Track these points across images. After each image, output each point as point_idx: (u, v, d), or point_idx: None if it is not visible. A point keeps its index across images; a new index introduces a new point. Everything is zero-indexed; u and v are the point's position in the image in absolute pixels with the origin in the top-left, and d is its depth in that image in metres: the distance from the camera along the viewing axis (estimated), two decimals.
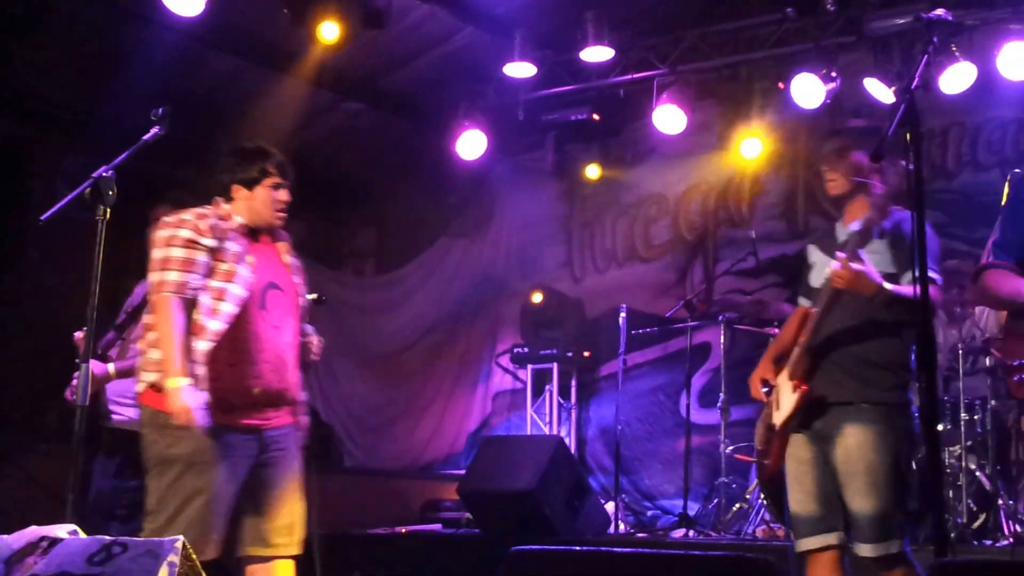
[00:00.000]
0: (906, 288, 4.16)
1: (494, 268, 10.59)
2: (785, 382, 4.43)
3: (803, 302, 4.68)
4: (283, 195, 4.34)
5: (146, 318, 4.27)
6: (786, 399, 4.40)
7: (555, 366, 9.67)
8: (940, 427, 6.76)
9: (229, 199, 4.30)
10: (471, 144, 9.14)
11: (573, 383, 9.81)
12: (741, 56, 8.46)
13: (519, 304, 9.93)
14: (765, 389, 4.56)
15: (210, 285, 4.10)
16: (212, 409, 4.02)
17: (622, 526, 8.11)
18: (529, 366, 9.83)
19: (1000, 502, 6.39)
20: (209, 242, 4.13)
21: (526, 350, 9.69)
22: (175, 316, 4.02)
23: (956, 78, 7.13)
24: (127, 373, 4.96)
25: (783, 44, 8.20)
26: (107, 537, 3.01)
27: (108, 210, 4.17)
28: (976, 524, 6.44)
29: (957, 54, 6.99)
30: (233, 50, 8.32)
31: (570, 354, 9.59)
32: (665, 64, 8.60)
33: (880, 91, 7.62)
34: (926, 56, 3.13)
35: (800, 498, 4.39)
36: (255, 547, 4.19)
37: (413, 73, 9.09)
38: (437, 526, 8.06)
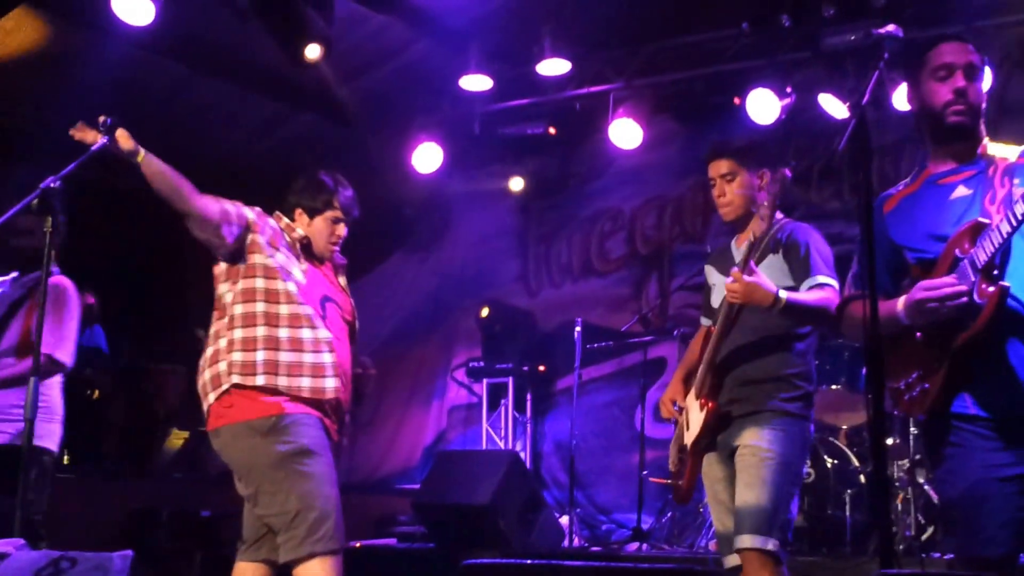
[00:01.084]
0: (804, 296, 4.21)
1: (449, 282, 10.56)
2: (693, 401, 4.46)
3: (705, 322, 4.74)
4: (340, 230, 4.49)
5: (215, 325, 4.30)
6: (695, 418, 4.44)
7: (511, 380, 9.64)
8: (889, 441, 6.82)
9: (291, 220, 4.45)
10: (427, 157, 9.13)
11: (528, 397, 9.78)
12: (697, 71, 8.49)
13: (474, 318, 9.91)
14: (677, 409, 4.59)
15: (268, 266, 4.21)
16: (307, 393, 4.14)
17: (576, 540, 8.09)
18: (484, 380, 9.80)
19: None
20: (268, 232, 4.26)
21: (482, 364, 9.67)
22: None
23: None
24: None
25: (739, 59, 8.25)
26: (56, 552, 2.98)
27: (55, 220, 4.14)
28: (925, 537, 6.48)
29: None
30: (185, 59, 8.25)
31: (526, 368, 9.57)
32: (621, 78, 8.62)
33: (834, 106, 7.69)
34: (877, 72, 3.14)
35: (720, 516, 4.42)
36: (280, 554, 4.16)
37: (368, 85, 9.05)
38: (392, 540, 8.01)
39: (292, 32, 7.08)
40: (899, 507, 6.60)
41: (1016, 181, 3.25)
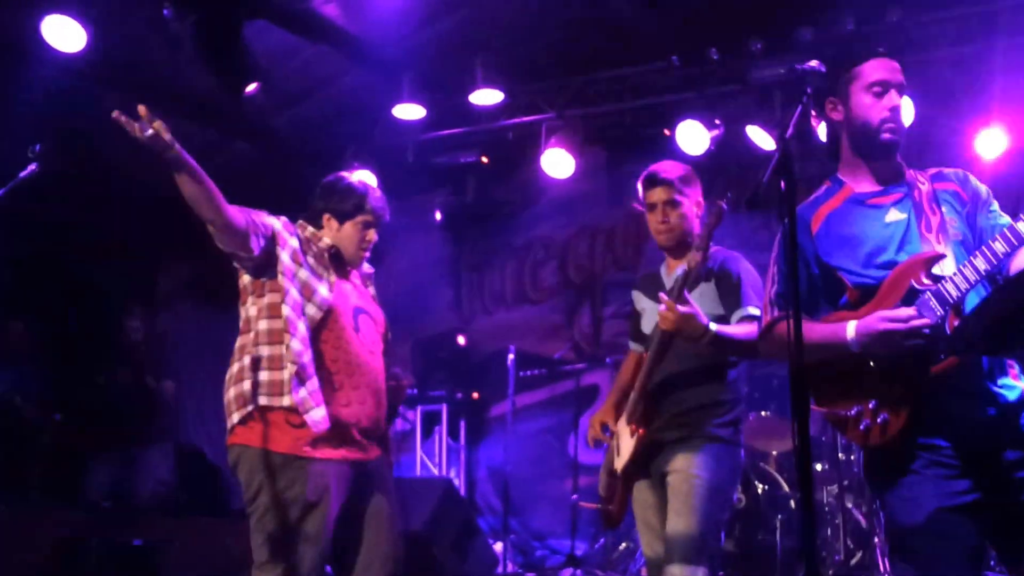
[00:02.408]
0: (733, 329, 4.26)
1: (383, 309, 10.52)
2: (624, 427, 4.48)
3: (634, 347, 4.77)
4: (371, 235, 4.35)
5: (240, 340, 4.17)
6: (625, 444, 4.46)
7: (444, 407, 9.63)
8: (818, 467, 6.91)
9: (318, 227, 4.30)
10: None
11: (462, 424, 9.78)
12: (628, 103, 8.58)
13: (407, 345, 9.89)
14: (608, 434, 4.61)
15: (299, 277, 4.08)
16: (317, 443, 3.94)
17: (511, 566, 8.10)
18: (418, 407, 9.77)
19: (876, 540, 6.53)
20: (295, 242, 4.13)
21: (415, 391, 9.65)
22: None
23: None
24: None
25: (669, 92, 8.35)
26: None
27: None
28: (853, 561, 6.57)
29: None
30: (116, 87, 8.17)
31: (459, 395, 9.57)
32: (553, 109, 8.69)
33: (762, 138, 7.81)
34: (801, 106, 3.17)
35: (650, 542, 4.45)
36: None
37: (301, 114, 9.03)
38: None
39: (227, 61, 7.05)
40: (828, 532, 6.69)
41: (944, 209, 3.29)
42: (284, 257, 4.10)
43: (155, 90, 8.23)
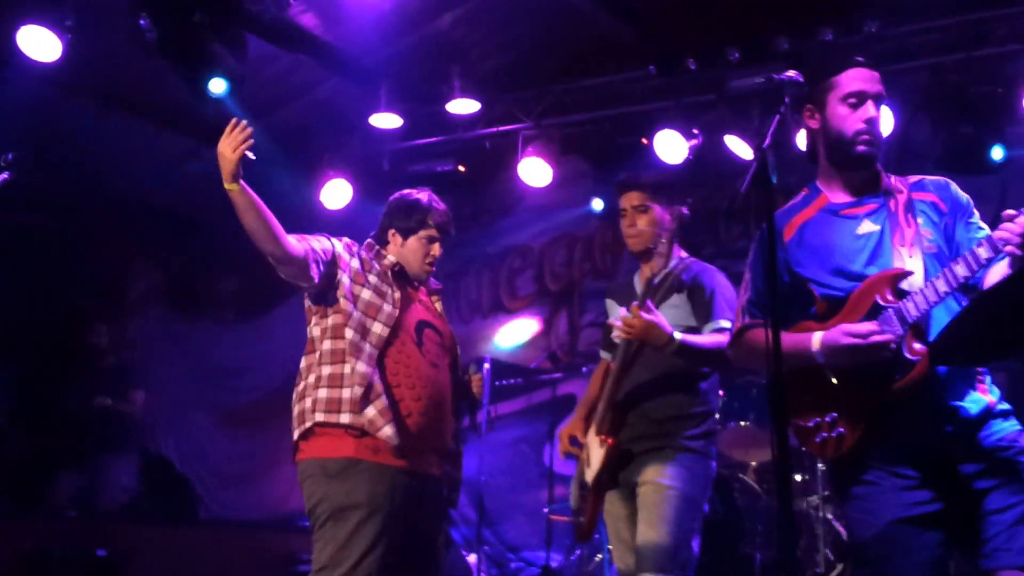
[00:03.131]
0: (700, 339, 4.25)
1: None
2: (593, 438, 4.45)
3: (605, 356, 4.74)
4: (435, 249, 4.36)
5: (305, 360, 4.18)
6: (595, 455, 4.43)
7: None
8: (797, 477, 6.89)
9: (384, 244, 4.34)
10: (336, 193, 9.06)
11: None
12: (605, 112, 8.57)
13: None
14: (578, 446, 4.59)
15: (354, 315, 4.07)
16: (379, 450, 3.94)
17: None
18: None
19: None
20: (355, 263, 4.17)
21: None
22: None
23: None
24: None
25: (646, 101, 8.35)
26: None
27: None
28: (834, 573, 6.55)
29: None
30: (93, 96, 8.13)
31: None
32: (530, 118, 8.67)
33: (740, 148, 7.80)
34: (778, 116, 3.16)
35: (622, 554, 4.43)
36: None
37: (277, 122, 8.97)
38: None
39: (197, 68, 7.00)
40: (807, 544, 6.66)
41: (920, 220, 3.28)
42: (345, 280, 4.14)
43: (131, 99, 8.20)
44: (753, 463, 7.29)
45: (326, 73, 8.55)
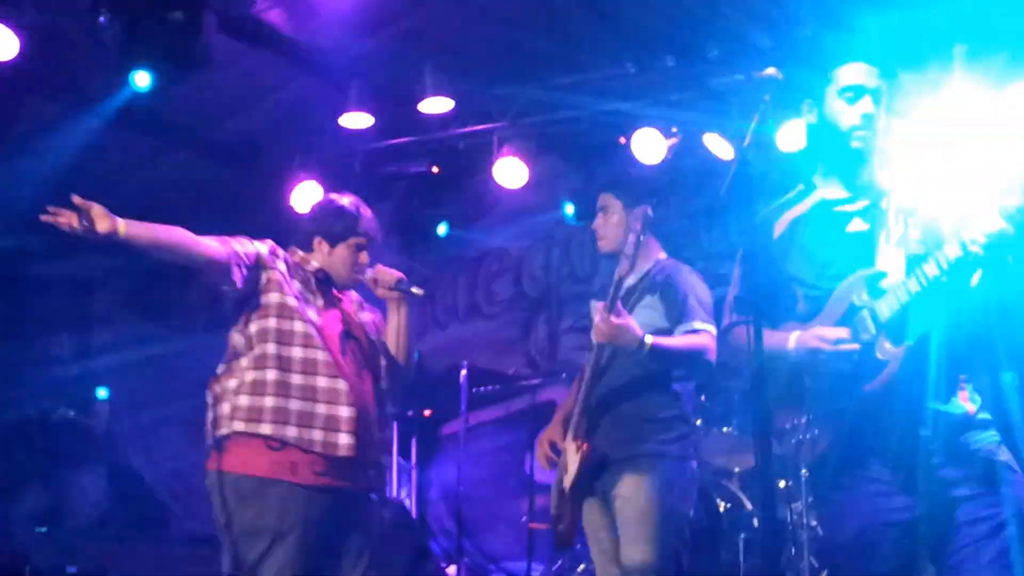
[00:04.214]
0: (672, 341, 4.21)
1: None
2: (570, 443, 4.43)
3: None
4: (363, 257, 4.28)
5: (224, 365, 4.10)
6: (572, 461, 4.45)
7: (395, 425, 9.42)
8: (781, 484, 6.78)
9: (308, 250, 4.24)
10: (306, 195, 8.89)
11: (413, 443, 9.58)
12: (582, 110, 8.41)
13: None
14: (556, 452, 4.58)
15: (287, 305, 4.00)
16: (297, 467, 3.85)
17: None
18: None
19: None
20: (282, 266, 4.05)
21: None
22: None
23: (793, 135, 7.20)
24: None
25: (624, 99, 8.21)
26: None
27: None
28: None
29: (794, 112, 7.07)
30: (51, 95, 7.97)
31: (410, 413, 9.38)
32: (506, 117, 8.53)
33: (720, 146, 7.69)
34: (758, 115, 3.11)
35: (605, 565, 4.45)
36: None
37: (246, 122, 8.85)
38: None
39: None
40: (792, 551, 6.56)
41: (911, 222, 3.22)
42: (277, 277, 4.05)
43: (90, 98, 8.03)
44: (736, 469, 7.22)
45: (294, 72, 8.41)
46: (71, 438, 8.35)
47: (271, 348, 3.96)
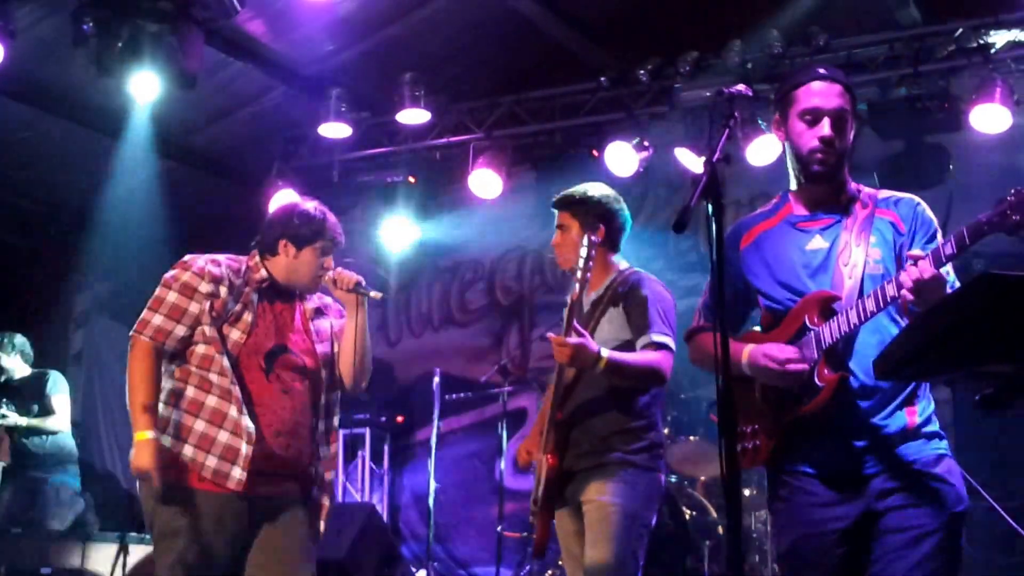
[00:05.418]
0: (630, 357, 4.21)
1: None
2: (540, 456, 4.43)
3: None
4: (328, 262, 4.24)
5: (165, 376, 4.07)
6: (542, 473, 4.41)
7: (368, 431, 9.49)
8: (747, 492, 6.87)
9: (273, 254, 4.18)
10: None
11: (386, 448, 9.65)
12: (556, 123, 8.52)
13: None
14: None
15: (205, 333, 3.98)
16: (209, 475, 3.88)
17: None
18: (341, 430, 9.59)
19: None
20: (207, 288, 4.00)
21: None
22: (146, 362, 3.94)
23: (762, 150, 7.32)
24: None
25: (597, 112, 8.31)
26: None
27: None
28: None
29: (763, 127, 7.18)
30: (36, 102, 7.99)
31: (383, 419, 9.44)
32: (481, 129, 8.61)
33: (690, 160, 7.79)
34: (727, 130, 3.12)
35: (571, 568, 4.42)
36: None
37: (225, 131, 8.89)
38: None
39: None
40: (756, 559, 6.65)
41: (873, 239, 3.23)
42: (203, 320, 4.02)
43: (74, 105, 8.08)
44: (702, 477, 7.29)
45: (274, 81, 8.48)
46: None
47: (193, 367, 3.99)
